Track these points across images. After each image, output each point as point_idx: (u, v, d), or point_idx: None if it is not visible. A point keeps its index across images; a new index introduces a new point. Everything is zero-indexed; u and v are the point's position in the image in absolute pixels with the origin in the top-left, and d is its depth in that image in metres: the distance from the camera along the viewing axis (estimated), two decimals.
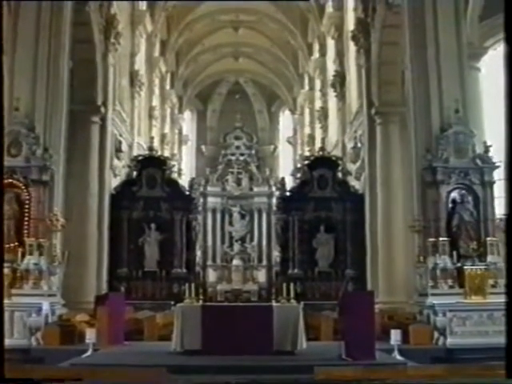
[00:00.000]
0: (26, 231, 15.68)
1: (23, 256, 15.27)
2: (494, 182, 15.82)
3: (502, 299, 8.18)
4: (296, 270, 19.53)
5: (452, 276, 15.22)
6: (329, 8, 30.66)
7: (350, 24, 26.07)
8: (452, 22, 16.54)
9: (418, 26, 16.77)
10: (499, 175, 15.51)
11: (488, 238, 15.45)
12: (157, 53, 34.87)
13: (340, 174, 20.25)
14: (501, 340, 5.99)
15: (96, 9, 21.38)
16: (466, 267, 15.19)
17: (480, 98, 18.36)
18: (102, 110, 22.28)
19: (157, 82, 34.95)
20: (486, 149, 15.96)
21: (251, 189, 21.20)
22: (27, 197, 15.84)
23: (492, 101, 18.02)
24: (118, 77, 24.50)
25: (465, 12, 16.99)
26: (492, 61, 19.17)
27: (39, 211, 15.85)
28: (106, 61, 22.74)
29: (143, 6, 30.35)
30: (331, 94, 30.29)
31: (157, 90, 35.01)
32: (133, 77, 28.03)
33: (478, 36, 17.75)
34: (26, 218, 15.77)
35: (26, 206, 15.82)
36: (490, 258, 15.26)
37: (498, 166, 15.61)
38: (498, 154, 15.40)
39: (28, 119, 16.19)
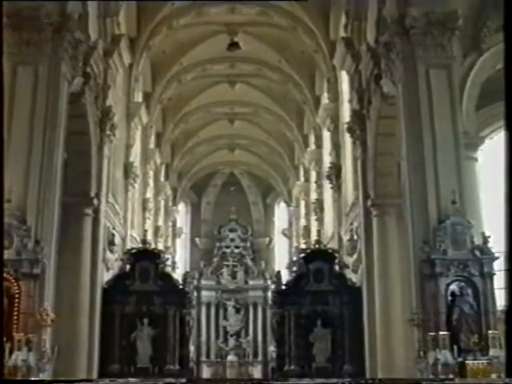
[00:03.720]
0: (14, 326, 15.25)
1: (11, 352, 14.79)
2: (493, 274, 15.54)
3: None
4: (293, 366, 19.09)
5: (453, 371, 14.73)
6: (324, 99, 30.94)
7: (346, 116, 26.22)
8: (448, 113, 16.59)
9: (414, 116, 16.81)
10: (499, 266, 15.24)
11: (489, 331, 15.06)
12: (152, 145, 34.99)
13: (337, 267, 20.03)
14: None
15: (92, 101, 21.45)
16: (467, 362, 14.74)
17: (477, 188, 18.27)
18: (95, 202, 22.07)
19: (151, 173, 34.95)
20: (485, 240, 15.73)
21: (246, 282, 21.00)
22: (17, 291, 15.47)
23: (489, 191, 17.95)
24: (112, 169, 24.41)
25: (460, 102, 17.06)
26: (489, 150, 19.18)
27: (29, 305, 15.45)
28: (100, 153, 22.68)
29: (139, 98, 30.61)
30: (327, 186, 30.25)
31: (151, 182, 34.97)
32: (127, 169, 27.99)
33: (474, 126, 17.79)
34: (16, 313, 15.36)
35: (16, 300, 15.43)
36: (492, 352, 14.80)
37: (497, 257, 15.35)
38: (497, 245, 15.18)
39: (20, 211, 15.97)
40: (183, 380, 17.51)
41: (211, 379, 16.53)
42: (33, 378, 14.84)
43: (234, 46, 31.22)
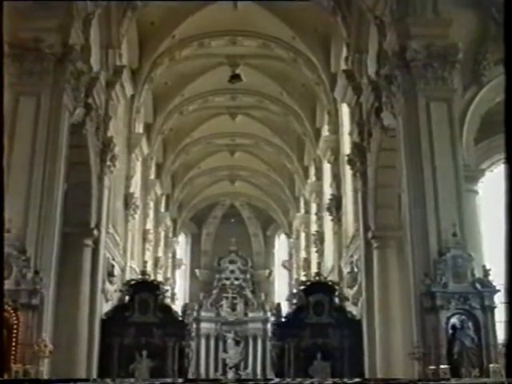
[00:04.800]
0: (12, 357, 15.12)
1: None
2: (494, 307, 15.42)
3: None
4: None
5: None
6: (324, 132, 31.03)
7: (346, 148, 26.27)
8: (448, 145, 16.59)
9: (414, 149, 16.81)
10: (500, 299, 15.14)
11: (490, 365, 14.90)
12: (152, 175, 35.02)
13: (337, 300, 19.92)
14: None
15: (93, 131, 21.49)
16: None
17: (478, 221, 18.20)
18: (95, 232, 22.01)
19: (151, 204, 34.93)
20: (486, 273, 15.62)
21: (246, 314, 20.90)
22: (15, 321, 15.32)
23: (490, 223, 17.90)
24: (112, 199, 24.39)
25: (460, 135, 17.07)
26: (489, 182, 19.17)
27: (27, 336, 15.30)
28: (101, 183, 22.66)
29: (140, 129, 30.69)
30: (327, 218, 30.21)
31: (151, 213, 34.94)
32: (127, 199, 27.97)
33: (474, 158, 17.79)
34: (14, 344, 15.23)
35: (14, 331, 15.30)
36: None
37: (498, 290, 15.23)
38: (497, 278, 15.08)
39: (19, 241, 15.89)
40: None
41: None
42: None
43: (235, 78, 31.38)
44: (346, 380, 16.73)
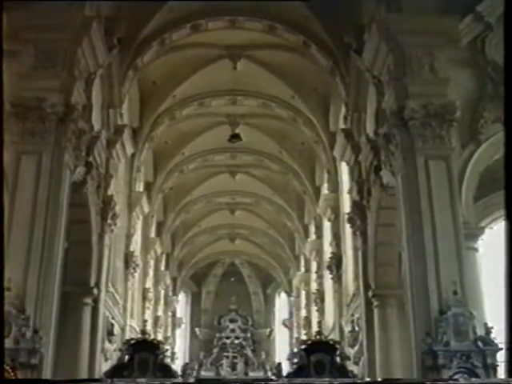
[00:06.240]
0: None
1: None
2: (497, 365, 15.29)
3: None
4: None
5: None
6: (324, 190, 31.11)
7: (346, 206, 26.32)
8: (447, 203, 16.63)
9: (414, 207, 16.84)
10: (502, 357, 15.03)
11: None
12: (153, 234, 35.01)
13: (338, 359, 19.70)
14: None
15: (93, 190, 21.56)
16: None
17: (478, 279, 18.14)
18: (95, 291, 21.92)
19: (152, 263, 34.84)
20: (487, 330, 15.53)
21: (246, 374, 20.67)
22: None
23: (491, 280, 17.83)
24: (112, 258, 24.35)
25: (459, 192, 17.12)
26: (489, 240, 19.15)
27: None
28: (101, 242, 22.65)
29: (140, 187, 30.81)
30: (327, 277, 30.10)
31: (151, 272, 34.83)
32: (128, 258, 27.93)
33: (473, 216, 17.81)
34: None
35: None
36: None
37: (500, 348, 15.12)
38: (499, 336, 14.99)
39: (19, 300, 15.79)
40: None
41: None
42: None
43: (235, 137, 31.65)
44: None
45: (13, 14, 16.07)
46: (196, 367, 20.21)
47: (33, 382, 14.74)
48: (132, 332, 26.93)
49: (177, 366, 21.46)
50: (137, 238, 30.56)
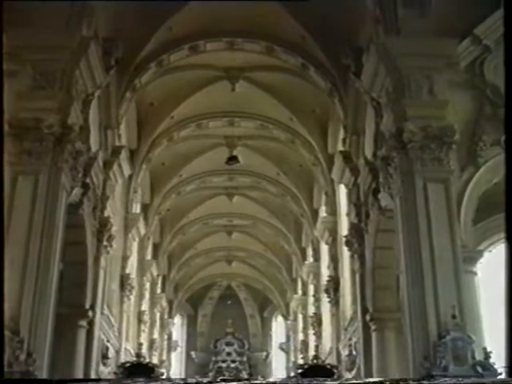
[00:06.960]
0: None
1: None
2: None
3: None
4: None
5: None
6: (322, 213, 31.04)
7: (344, 229, 26.20)
8: (446, 226, 16.52)
9: (412, 230, 16.72)
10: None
11: None
12: (149, 256, 34.89)
13: None
14: None
15: (90, 211, 21.46)
16: None
17: (477, 302, 17.99)
18: (90, 313, 21.74)
19: (148, 285, 34.70)
20: (486, 355, 15.34)
21: None
22: None
23: (490, 304, 17.69)
24: (108, 280, 24.20)
25: (458, 216, 17.02)
26: (488, 263, 19.04)
27: None
28: (97, 264, 22.52)
29: (137, 209, 30.72)
30: (325, 300, 29.95)
31: (147, 294, 34.66)
32: (123, 280, 27.78)
33: (472, 239, 17.70)
34: None
35: None
36: None
37: (499, 373, 14.95)
38: (498, 361, 14.84)
39: (13, 322, 15.62)
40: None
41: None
42: None
43: (232, 160, 31.57)
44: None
45: (10, 33, 16.01)
46: None
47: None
48: (127, 355, 26.73)
49: None
50: (133, 260, 30.42)
